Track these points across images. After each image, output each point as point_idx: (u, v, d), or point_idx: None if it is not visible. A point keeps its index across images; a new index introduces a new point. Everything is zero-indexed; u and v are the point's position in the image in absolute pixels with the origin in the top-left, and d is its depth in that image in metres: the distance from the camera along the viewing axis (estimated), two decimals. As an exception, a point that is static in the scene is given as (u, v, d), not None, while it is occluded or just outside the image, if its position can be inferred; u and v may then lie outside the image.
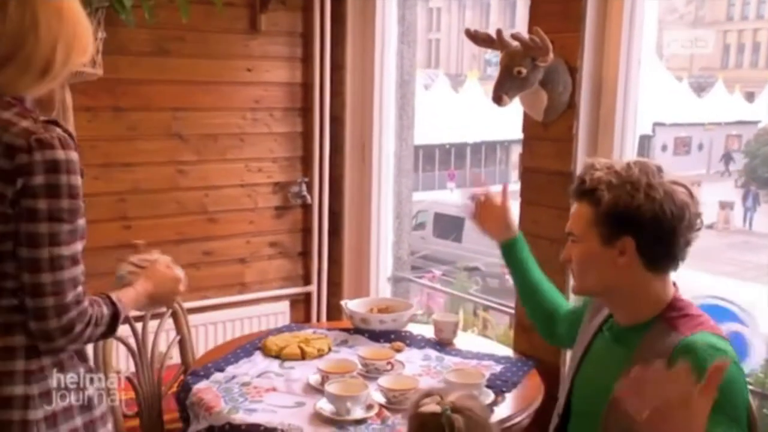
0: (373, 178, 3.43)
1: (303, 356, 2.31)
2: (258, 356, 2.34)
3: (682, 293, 1.62)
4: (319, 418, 1.85)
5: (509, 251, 2.06)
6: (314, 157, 3.42)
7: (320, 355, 2.34)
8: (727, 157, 13.39)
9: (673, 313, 1.55)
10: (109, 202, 2.97)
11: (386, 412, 1.90)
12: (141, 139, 3.03)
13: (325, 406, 1.88)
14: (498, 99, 2.14)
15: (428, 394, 1.36)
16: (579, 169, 1.69)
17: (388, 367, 2.17)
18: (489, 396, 2.00)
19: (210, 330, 3.28)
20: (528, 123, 2.41)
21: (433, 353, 2.39)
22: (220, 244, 3.29)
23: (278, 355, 2.32)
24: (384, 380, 2.00)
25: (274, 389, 2.06)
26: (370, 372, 2.16)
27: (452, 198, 13.01)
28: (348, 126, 3.40)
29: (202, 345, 3.10)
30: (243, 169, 3.31)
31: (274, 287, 3.47)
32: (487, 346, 2.52)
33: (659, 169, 1.57)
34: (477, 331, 3.22)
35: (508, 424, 1.94)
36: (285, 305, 3.50)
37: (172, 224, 3.15)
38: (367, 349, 2.30)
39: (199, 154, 3.17)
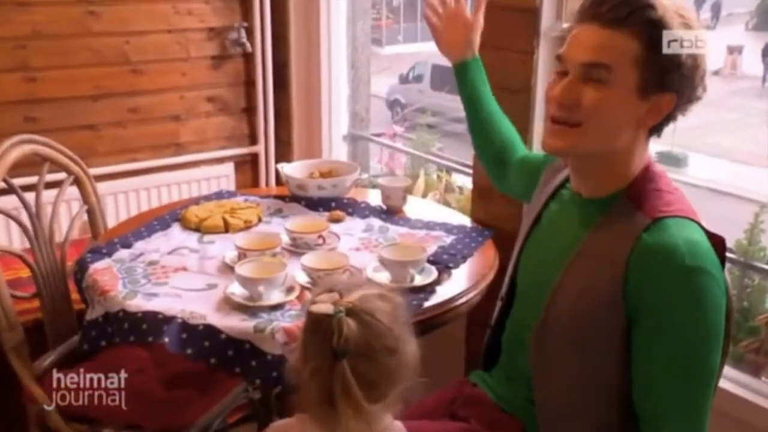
0: (321, 21, 3.07)
1: (226, 229, 2.09)
2: (175, 229, 2.11)
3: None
4: (228, 303, 1.64)
5: (462, 73, 1.78)
6: (254, -2, 3.05)
7: (247, 227, 2.11)
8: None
9: (641, 186, 1.30)
10: (5, 49, 2.62)
11: (308, 296, 1.68)
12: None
13: (236, 290, 1.66)
14: None
15: (329, 289, 1.13)
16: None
17: (320, 241, 1.95)
18: (431, 274, 1.78)
19: (142, 196, 3.03)
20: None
21: (376, 223, 2.16)
22: (148, 99, 2.98)
23: (198, 228, 2.09)
24: (308, 258, 1.77)
25: (184, 269, 1.84)
26: (299, 247, 1.94)
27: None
28: (291, -41, 3.01)
29: (132, 213, 2.87)
30: (170, 12, 2.95)
31: (215, 148, 3.21)
32: (440, 213, 2.29)
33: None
34: (439, 196, 2.99)
35: (452, 305, 1.74)
36: (228, 168, 3.25)
37: (87, 76, 2.82)
38: (298, 220, 2.06)
39: (113, -8, 2.80)
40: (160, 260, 1.88)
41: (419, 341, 1.16)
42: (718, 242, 1.24)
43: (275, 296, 1.65)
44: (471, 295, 1.79)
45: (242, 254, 1.83)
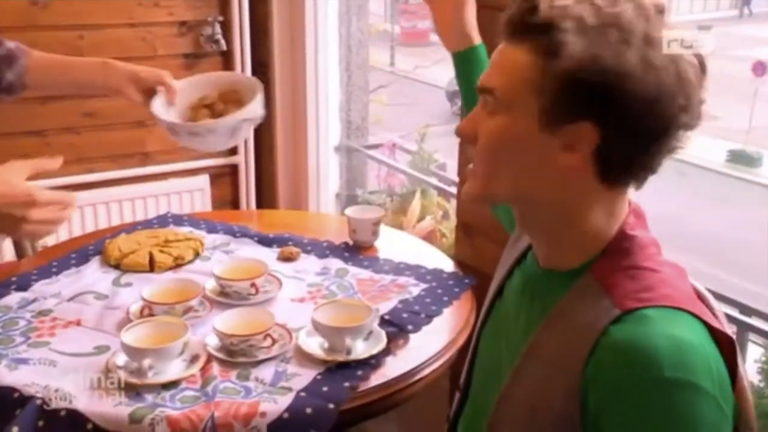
0: (307, 16, 2.76)
1: (151, 267, 1.79)
2: (93, 265, 1.82)
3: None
4: (110, 378, 1.33)
5: (459, 65, 1.47)
6: (231, -12, 2.76)
7: (178, 264, 1.82)
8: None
9: (612, 261, 0.96)
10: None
11: (215, 369, 1.37)
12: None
13: (122, 360, 1.36)
14: None
15: None
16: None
17: (252, 290, 1.63)
18: (379, 341, 1.46)
19: (101, 212, 2.78)
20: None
21: (335, 265, 1.84)
22: (106, 102, 2.70)
23: (118, 265, 1.79)
24: (224, 318, 1.46)
25: (78, 323, 1.54)
26: (229, 297, 1.64)
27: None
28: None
29: (89, 230, 2.59)
30: (132, 3, 2.68)
31: (188, 158, 2.93)
32: (418, 252, 1.95)
33: (660, 11, 0.92)
34: (434, 222, 2.65)
35: (402, 384, 1.41)
36: (203, 180, 2.99)
37: (33, 76, 2.55)
38: (233, 261, 1.76)
39: (62, -20, 2.53)
40: (54, 309, 1.59)
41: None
42: (724, 342, 0.90)
43: (170, 370, 1.34)
44: (430, 369, 1.46)
45: (146, 308, 1.52)
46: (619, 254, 0.96)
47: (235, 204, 3.06)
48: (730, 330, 0.96)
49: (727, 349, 0.90)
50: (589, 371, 0.88)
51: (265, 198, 3.06)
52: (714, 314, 0.97)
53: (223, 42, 2.80)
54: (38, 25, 2.52)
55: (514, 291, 1.12)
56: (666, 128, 0.92)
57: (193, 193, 2.96)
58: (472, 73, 1.41)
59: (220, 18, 2.80)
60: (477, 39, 1.43)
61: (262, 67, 2.88)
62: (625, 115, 0.89)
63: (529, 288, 1.06)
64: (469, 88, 1.44)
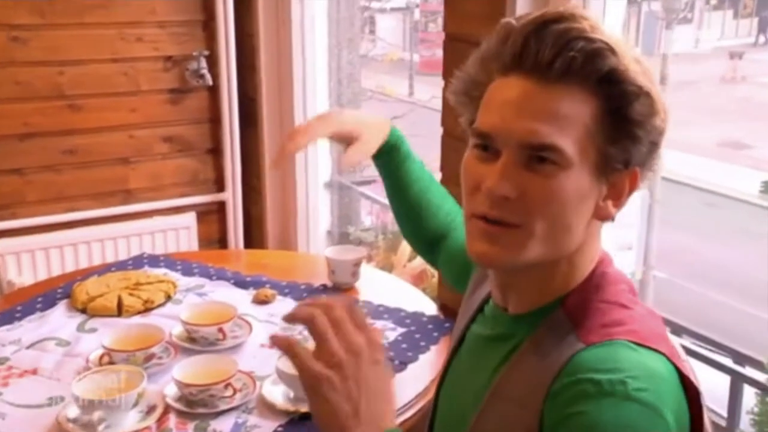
0: (294, 50, 2.75)
1: (119, 311, 1.75)
2: (59, 309, 1.79)
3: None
4: None
5: (383, 164, 1.44)
6: (219, 21, 2.76)
7: (147, 308, 1.78)
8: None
9: (584, 295, 0.93)
10: None
11: (172, 421, 1.33)
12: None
13: (73, 413, 1.32)
14: None
15: None
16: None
17: (219, 336, 1.59)
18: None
19: (82, 252, 2.75)
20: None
21: (311, 307, 1.80)
22: (88, 139, 2.70)
23: (85, 309, 1.76)
24: (184, 366, 1.42)
25: (34, 372, 1.50)
26: (197, 343, 1.60)
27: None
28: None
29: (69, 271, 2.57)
30: (114, 38, 2.67)
31: (173, 195, 2.92)
32: (400, 294, 1.92)
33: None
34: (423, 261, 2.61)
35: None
36: (189, 218, 2.96)
37: (12, 112, 2.56)
38: (203, 305, 1.73)
39: (43, 15, 2.53)
40: (11, 358, 1.55)
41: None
42: (690, 389, 0.87)
43: (123, 423, 1.30)
44: (402, 419, 1.41)
45: (106, 355, 1.49)
46: (591, 289, 0.93)
47: (223, 243, 3.03)
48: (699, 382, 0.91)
49: (693, 397, 0.86)
50: (549, 396, 0.84)
51: (254, 236, 3.03)
52: (682, 362, 0.93)
53: (209, 77, 2.79)
54: (18, 61, 2.52)
55: (475, 339, 1.08)
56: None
57: (179, 232, 2.93)
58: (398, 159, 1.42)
59: (206, 52, 2.79)
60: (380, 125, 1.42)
61: (249, 102, 2.87)
62: (653, 149, 0.91)
63: (495, 334, 1.02)
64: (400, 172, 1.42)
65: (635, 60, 0.88)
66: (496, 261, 0.94)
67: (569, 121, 0.87)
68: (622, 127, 0.88)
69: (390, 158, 1.43)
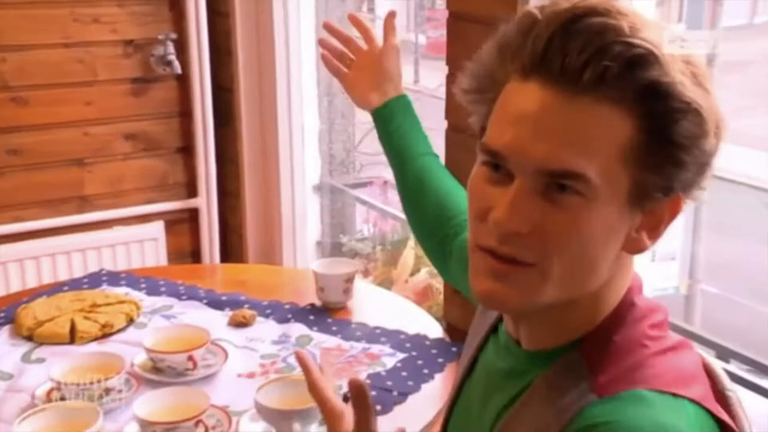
0: (276, 32, 2.77)
1: (72, 338, 1.78)
2: (2, 336, 1.82)
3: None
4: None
5: (384, 119, 1.47)
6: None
7: (105, 334, 1.81)
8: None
9: (606, 333, 0.93)
10: None
11: (133, 464, 1.35)
12: None
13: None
14: None
15: None
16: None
17: (189, 365, 1.61)
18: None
19: (29, 268, 2.77)
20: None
21: (297, 331, 1.83)
22: (36, 137, 2.74)
23: (31, 336, 1.78)
24: (146, 401, 1.44)
25: (-35, 410, 1.52)
26: (163, 374, 1.63)
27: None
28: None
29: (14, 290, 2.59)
30: (66, 19, 2.71)
31: (137, 202, 2.96)
32: (401, 313, 1.95)
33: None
34: (430, 275, 2.64)
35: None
36: (156, 228, 3.00)
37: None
38: (171, 329, 1.75)
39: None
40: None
41: None
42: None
43: (75, 467, 1.31)
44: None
45: (56, 390, 1.51)
46: (615, 325, 0.93)
47: (195, 256, 3.06)
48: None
49: None
50: None
51: (232, 249, 3.06)
52: (725, 396, 0.95)
53: (177, 64, 2.81)
54: (-48, 48, 2.55)
55: (487, 367, 1.09)
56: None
57: (144, 244, 2.96)
58: (405, 122, 1.46)
59: (174, 36, 2.82)
60: (400, 82, 1.49)
61: (224, 93, 2.90)
62: (702, 173, 0.89)
63: (507, 368, 1.03)
64: (402, 139, 1.46)
65: (685, 62, 0.85)
66: (505, 303, 0.93)
67: (598, 144, 0.84)
68: (664, 151, 0.85)
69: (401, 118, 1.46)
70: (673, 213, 0.89)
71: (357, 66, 1.51)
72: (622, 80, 0.82)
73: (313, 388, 1.07)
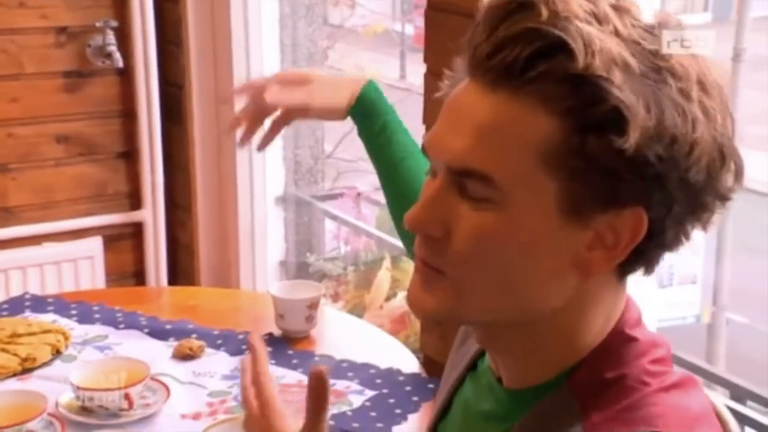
0: (233, 18, 2.80)
1: (-11, 372, 1.79)
2: None
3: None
4: None
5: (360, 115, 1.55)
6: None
7: (26, 369, 1.82)
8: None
9: (597, 368, 0.94)
10: None
11: None
12: None
13: None
14: None
15: None
16: None
17: (124, 404, 1.63)
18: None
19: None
20: None
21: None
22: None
23: (-59, 369, 1.80)
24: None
25: None
26: (93, 415, 1.64)
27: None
28: None
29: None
30: (-12, 3, 2.73)
31: (71, 214, 2.99)
32: (371, 344, 1.99)
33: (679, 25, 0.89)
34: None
35: None
36: (93, 245, 3.03)
37: None
38: (104, 362, 1.77)
39: None
40: None
41: None
42: None
43: None
44: None
45: (-33, 433, 1.51)
46: (605, 360, 0.93)
47: (139, 277, 3.09)
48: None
49: None
50: None
51: (181, 269, 3.09)
52: None
53: (118, 56, 2.84)
54: None
55: (465, 409, 1.11)
56: (725, 196, 0.89)
57: (78, 263, 2.98)
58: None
59: (114, 23, 2.85)
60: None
61: (173, 90, 2.93)
62: (687, 192, 0.87)
63: (487, 411, 1.04)
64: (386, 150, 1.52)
65: (630, 48, 0.84)
66: (424, 311, 0.96)
67: (511, 143, 0.85)
68: (591, 155, 0.84)
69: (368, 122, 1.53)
70: (636, 231, 0.87)
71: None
72: (534, 72, 0.83)
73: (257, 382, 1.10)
